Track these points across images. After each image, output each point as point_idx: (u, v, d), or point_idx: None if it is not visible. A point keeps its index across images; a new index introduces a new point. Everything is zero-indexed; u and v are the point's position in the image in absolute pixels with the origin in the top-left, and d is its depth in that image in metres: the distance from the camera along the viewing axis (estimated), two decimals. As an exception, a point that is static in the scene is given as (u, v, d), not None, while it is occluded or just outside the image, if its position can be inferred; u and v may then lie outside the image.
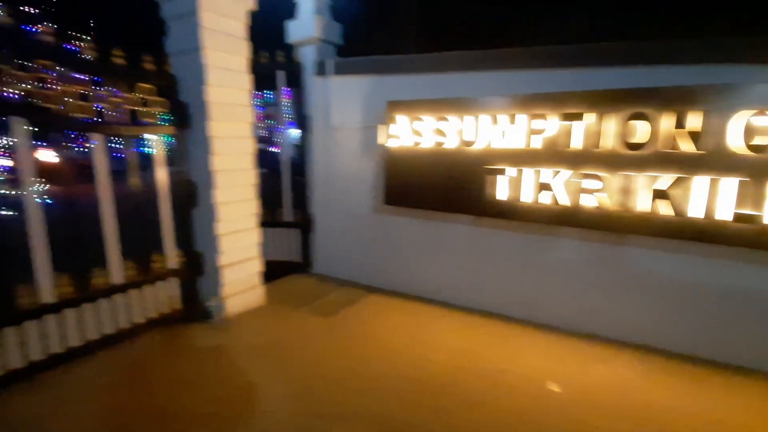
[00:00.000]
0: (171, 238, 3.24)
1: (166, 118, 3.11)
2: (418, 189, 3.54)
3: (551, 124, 2.85)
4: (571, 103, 2.77)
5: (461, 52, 3.39)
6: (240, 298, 3.47)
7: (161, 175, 3.14)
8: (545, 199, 2.94)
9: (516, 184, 3.04)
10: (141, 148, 3.21)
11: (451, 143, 3.29)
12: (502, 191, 3.10)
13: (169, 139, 3.18)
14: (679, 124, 2.42)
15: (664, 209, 2.53)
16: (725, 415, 2.18)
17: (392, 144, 3.61)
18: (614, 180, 2.68)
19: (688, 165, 2.44)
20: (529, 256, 3.23)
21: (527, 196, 3.00)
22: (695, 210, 2.44)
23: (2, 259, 2.41)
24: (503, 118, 3.02)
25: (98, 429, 2.10)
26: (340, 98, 4.08)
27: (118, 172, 2.99)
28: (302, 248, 4.52)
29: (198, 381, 2.50)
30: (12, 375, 2.41)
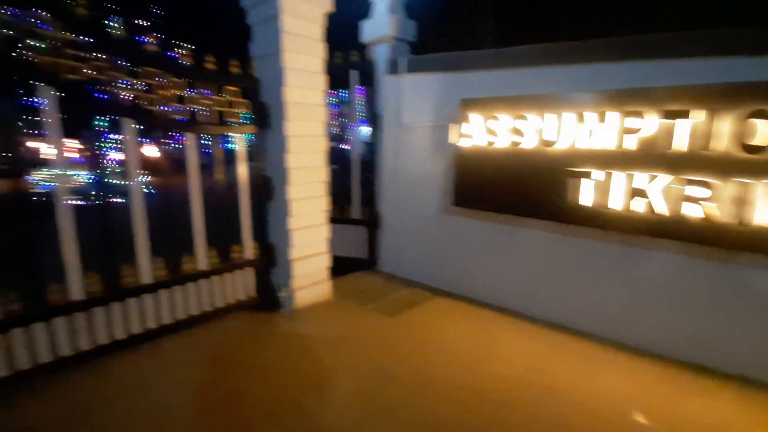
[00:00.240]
0: (248, 230, 3.46)
1: (248, 117, 3.32)
2: (490, 191, 3.38)
3: (649, 123, 2.53)
4: (674, 99, 2.44)
5: (542, 45, 3.15)
6: (308, 291, 3.60)
7: (242, 171, 3.37)
8: (638, 206, 2.63)
9: (603, 188, 2.76)
10: (224, 144, 3.48)
11: (528, 143, 3.08)
12: (586, 196, 2.84)
13: (250, 136, 3.38)
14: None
15: (794, 224, 2.12)
16: None
17: (464, 143, 3.48)
18: (726, 188, 2.30)
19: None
20: (616, 269, 2.92)
21: (616, 202, 2.71)
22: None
23: (112, 242, 2.73)
24: (591, 115, 2.75)
25: (187, 398, 2.33)
26: (411, 96, 4.03)
27: (204, 166, 3.26)
28: (369, 246, 4.58)
29: (269, 367, 2.64)
30: (115, 344, 2.76)
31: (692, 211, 2.43)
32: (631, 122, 2.60)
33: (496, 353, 2.82)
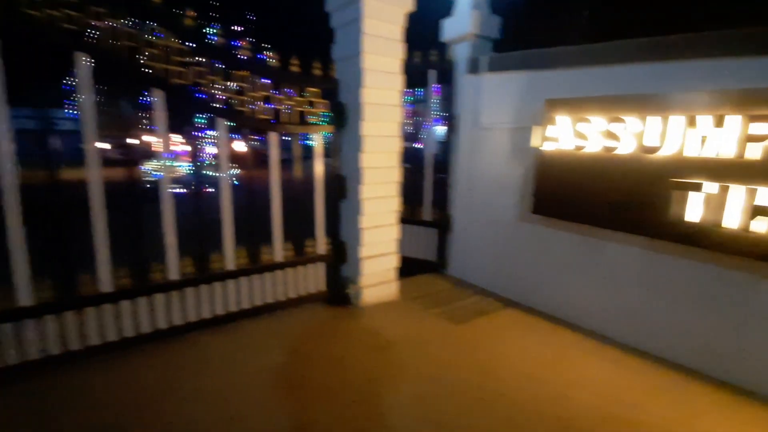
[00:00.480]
0: (322, 226, 3.59)
1: (326, 116, 3.43)
2: (575, 199, 3.10)
3: (783, 129, 2.12)
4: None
5: (645, 39, 2.80)
6: (376, 290, 3.64)
7: (318, 168, 3.50)
8: (760, 227, 2.22)
9: (716, 203, 2.37)
10: (303, 141, 3.64)
11: (625, 149, 2.77)
12: (693, 211, 2.47)
13: (327, 135, 3.50)
14: None
15: None
16: None
17: (548, 147, 3.24)
18: None
19: None
20: (727, 297, 2.51)
21: (732, 220, 2.32)
22: None
23: (204, 230, 3.01)
24: (705, 119, 2.38)
25: (263, 374, 2.50)
26: (491, 96, 3.85)
27: (284, 160, 3.44)
28: (438, 248, 4.49)
29: (333, 361, 2.71)
30: (203, 322, 3.06)
31: (840, 238, 1.99)
32: (758, 128, 2.20)
33: (571, 377, 2.59)
